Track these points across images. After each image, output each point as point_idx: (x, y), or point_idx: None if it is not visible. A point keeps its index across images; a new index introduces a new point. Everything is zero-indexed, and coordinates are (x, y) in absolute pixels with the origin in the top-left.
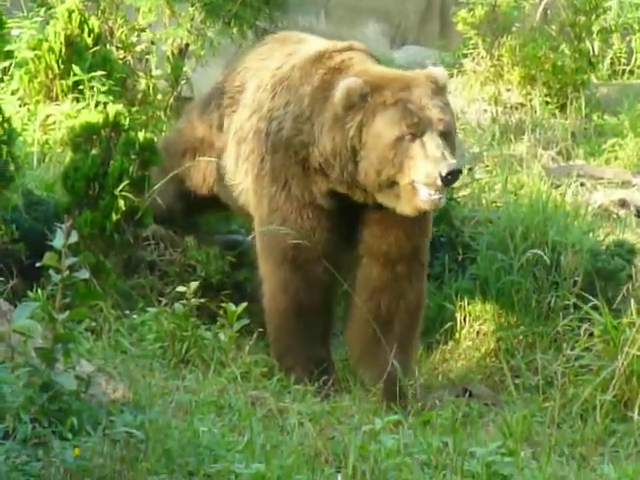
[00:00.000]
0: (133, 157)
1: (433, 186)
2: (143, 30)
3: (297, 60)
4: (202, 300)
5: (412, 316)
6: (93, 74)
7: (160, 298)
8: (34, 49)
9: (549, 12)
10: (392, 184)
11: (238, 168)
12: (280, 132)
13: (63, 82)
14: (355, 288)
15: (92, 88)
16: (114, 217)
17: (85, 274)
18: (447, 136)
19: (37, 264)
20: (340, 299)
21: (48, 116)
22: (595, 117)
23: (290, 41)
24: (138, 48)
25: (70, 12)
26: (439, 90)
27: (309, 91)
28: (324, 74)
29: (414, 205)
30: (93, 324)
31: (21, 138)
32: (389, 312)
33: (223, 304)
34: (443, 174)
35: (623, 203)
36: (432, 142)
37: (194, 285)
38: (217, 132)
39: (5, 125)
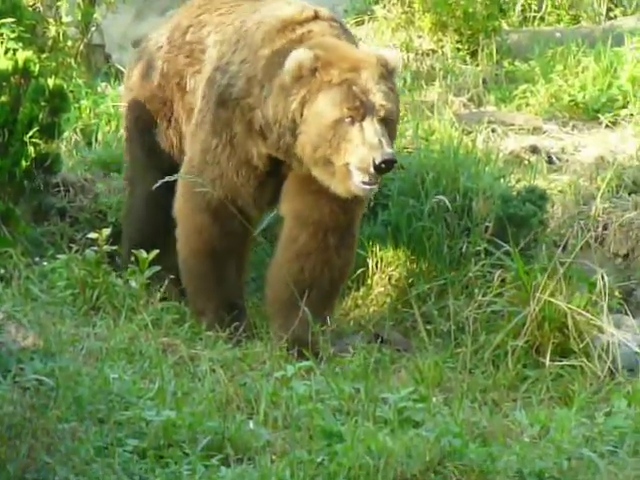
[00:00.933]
0: (43, 104)
1: (366, 172)
2: None
3: (262, 22)
4: (113, 247)
5: (334, 284)
6: (2, 21)
7: (71, 245)
8: None
9: None
10: (327, 162)
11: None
12: (230, 89)
13: None
14: (279, 247)
15: (1, 35)
16: (24, 164)
17: None
18: (388, 123)
19: None
20: (254, 245)
21: None
22: (506, 64)
23: None
24: None
25: None
26: (387, 74)
27: (266, 54)
28: (284, 43)
29: (347, 187)
30: (2, 271)
31: None
32: (312, 278)
33: (134, 251)
34: (377, 162)
35: (534, 149)
36: (370, 128)
37: (105, 232)
38: (178, 92)
39: None
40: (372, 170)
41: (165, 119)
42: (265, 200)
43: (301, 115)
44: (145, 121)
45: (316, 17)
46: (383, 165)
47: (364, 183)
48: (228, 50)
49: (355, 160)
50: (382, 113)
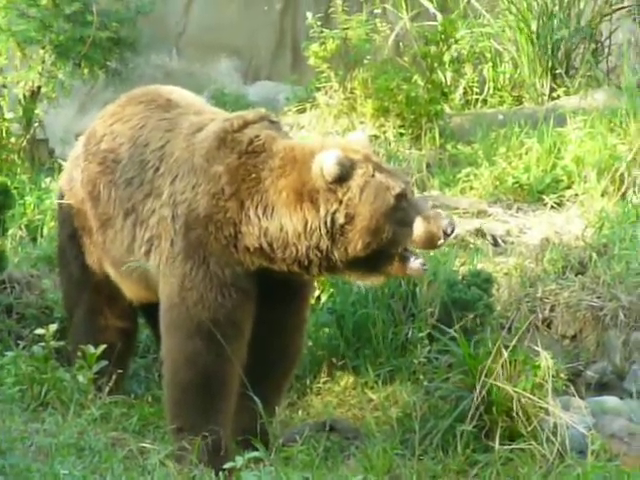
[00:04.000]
0: None
1: (433, 247)
2: None
3: (191, 146)
4: (61, 342)
5: (287, 373)
6: None
7: (18, 342)
8: None
9: (401, 44)
10: (374, 256)
11: (134, 249)
12: (194, 211)
13: None
14: None
15: None
16: None
17: None
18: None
19: None
20: None
21: None
22: (449, 147)
23: (155, 105)
24: None
25: None
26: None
27: (224, 170)
28: (238, 158)
29: (397, 274)
30: None
31: None
32: (266, 367)
33: (81, 346)
34: (448, 232)
35: (479, 232)
36: (420, 203)
37: (52, 327)
38: (89, 201)
39: None
40: (441, 242)
41: (87, 233)
42: (251, 318)
43: (345, 216)
44: (76, 236)
45: (246, 124)
46: (451, 232)
47: (423, 265)
48: (164, 181)
49: (422, 239)
50: (410, 187)
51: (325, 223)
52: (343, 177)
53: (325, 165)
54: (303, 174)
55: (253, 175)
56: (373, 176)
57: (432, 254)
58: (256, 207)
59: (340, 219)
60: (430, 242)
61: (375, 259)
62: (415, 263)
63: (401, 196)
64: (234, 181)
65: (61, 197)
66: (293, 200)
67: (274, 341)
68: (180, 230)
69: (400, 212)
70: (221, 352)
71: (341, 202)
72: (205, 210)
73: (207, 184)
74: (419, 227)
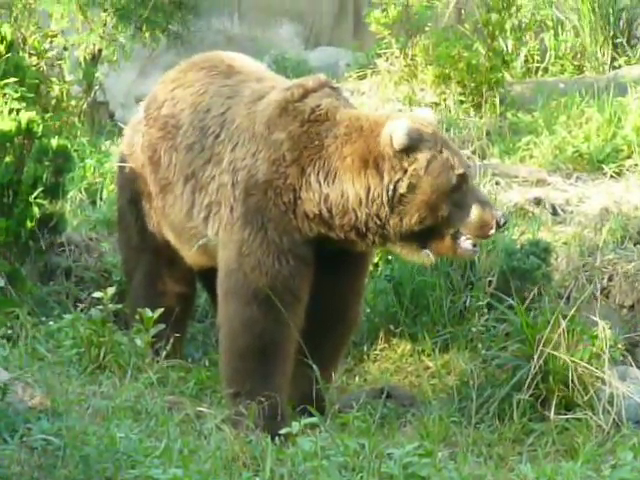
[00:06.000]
0: (47, 164)
1: (484, 236)
2: (55, 36)
3: (249, 110)
4: (119, 305)
5: (344, 339)
6: (6, 81)
7: (77, 304)
8: None
9: (463, 11)
10: (427, 232)
11: (193, 215)
12: (254, 177)
13: None
14: None
15: (5, 95)
16: (29, 224)
17: (0, 282)
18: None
19: None
20: None
21: None
22: (510, 115)
23: (217, 71)
24: (50, 54)
25: None
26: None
27: (286, 137)
28: (300, 126)
29: (447, 254)
30: (9, 332)
31: None
32: (324, 333)
33: (139, 309)
34: (501, 224)
35: (538, 201)
36: (479, 190)
37: (110, 290)
38: (150, 166)
39: None
40: (493, 232)
41: (147, 197)
42: (309, 285)
43: (407, 186)
44: (136, 201)
45: (306, 92)
46: (503, 224)
47: (474, 246)
48: (225, 148)
49: (475, 225)
50: (472, 172)
51: (387, 191)
52: (411, 147)
53: (395, 133)
54: (370, 142)
55: (316, 142)
56: (441, 152)
57: None
58: (317, 173)
59: (402, 188)
60: (482, 230)
61: (428, 235)
62: (466, 244)
63: (463, 177)
64: (296, 148)
65: (121, 161)
66: (358, 166)
67: (332, 308)
68: (239, 197)
69: (459, 194)
70: (278, 318)
71: (406, 172)
72: (265, 176)
73: (267, 151)
74: (474, 213)
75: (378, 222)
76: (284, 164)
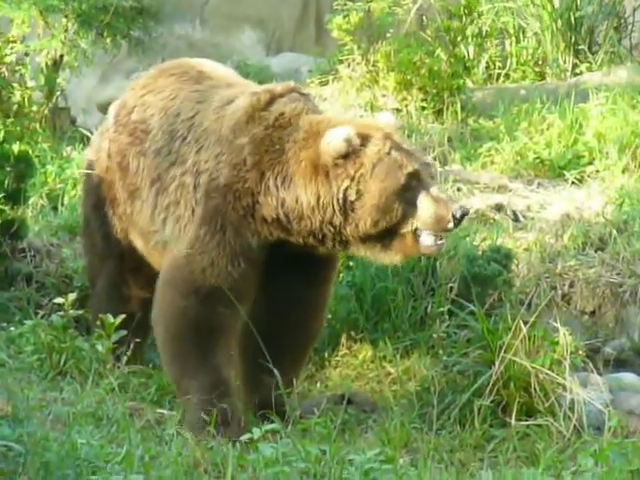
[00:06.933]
0: (8, 170)
1: (442, 230)
2: (16, 42)
3: (218, 114)
4: (80, 311)
5: (306, 346)
6: None
7: (38, 310)
8: None
9: (424, 18)
10: (388, 233)
11: (155, 217)
12: (215, 180)
13: None
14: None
15: None
16: None
17: None
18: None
19: None
20: None
21: None
22: (471, 122)
23: (187, 77)
24: (11, 59)
25: None
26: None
27: (248, 141)
28: (264, 130)
29: (411, 252)
30: None
31: None
32: (286, 340)
33: (100, 315)
34: (458, 215)
35: (500, 208)
36: (433, 187)
37: (72, 296)
38: (119, 172)
39: None
40: (451, 225)
41: (112, 203)
42: (255, 287)
43: (356, 192)
44: (101, 207)
45: (273, 97)
46: (463, 217)
47: (439, 240)
48: (190, 150)
49: (430, 221)
50: (430, 170)
51: (337, 199)
52: (349, 154)
53: (332, 141)
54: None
55: (277, 146)
56: (389, 154)
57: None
58: (276, 177)
59: (351, 196)
60: (439, 224)
61: (387, 237)
62: (428, 240)
63: (412, 175)
64: (257, 152)
65: (88, 168)
66: (310, 172)
67: (296, 315)
68: (200, 199)
69: (410, 192)
70: (215, 309)
71: (353, 178)
72: (225, 180)
73: (230, 154)
74: (428, 208)
75: (332, 229)
76: (244, 168)
